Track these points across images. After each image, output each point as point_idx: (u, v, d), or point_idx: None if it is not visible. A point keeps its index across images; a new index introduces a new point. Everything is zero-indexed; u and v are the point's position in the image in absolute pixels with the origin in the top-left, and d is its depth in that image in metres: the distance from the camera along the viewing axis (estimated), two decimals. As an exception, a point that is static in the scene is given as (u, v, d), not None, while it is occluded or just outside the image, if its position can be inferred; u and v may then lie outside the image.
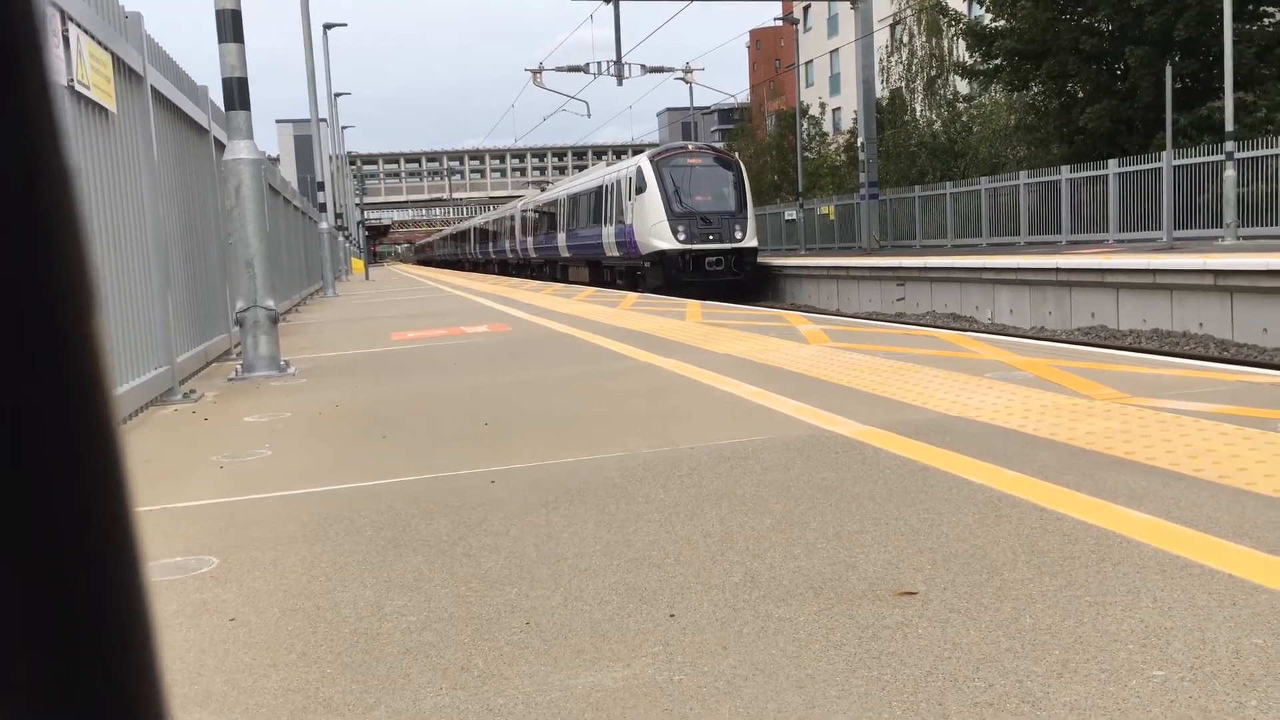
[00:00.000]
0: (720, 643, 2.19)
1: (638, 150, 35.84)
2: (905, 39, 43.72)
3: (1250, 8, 23.38)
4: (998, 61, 27.93)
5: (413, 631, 2.36)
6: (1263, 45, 23.03)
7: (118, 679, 0.29)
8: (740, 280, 24.00)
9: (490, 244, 52.49)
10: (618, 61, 34.09)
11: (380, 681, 2.10)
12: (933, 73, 41.92)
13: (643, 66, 35.77)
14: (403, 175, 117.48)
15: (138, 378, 5.91)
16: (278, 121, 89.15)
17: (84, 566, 0.29)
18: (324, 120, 33.69)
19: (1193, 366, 5.96)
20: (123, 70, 6.35)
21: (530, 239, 40.07)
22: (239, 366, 7.66)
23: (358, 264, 41.83)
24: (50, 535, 0.28)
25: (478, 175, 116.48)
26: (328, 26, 37.13)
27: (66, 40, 5.04)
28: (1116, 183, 21.58)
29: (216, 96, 8.29)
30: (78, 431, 0.29)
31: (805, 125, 43.72)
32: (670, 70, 37.57)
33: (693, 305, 13.02)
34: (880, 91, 38.48)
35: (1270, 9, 23.95)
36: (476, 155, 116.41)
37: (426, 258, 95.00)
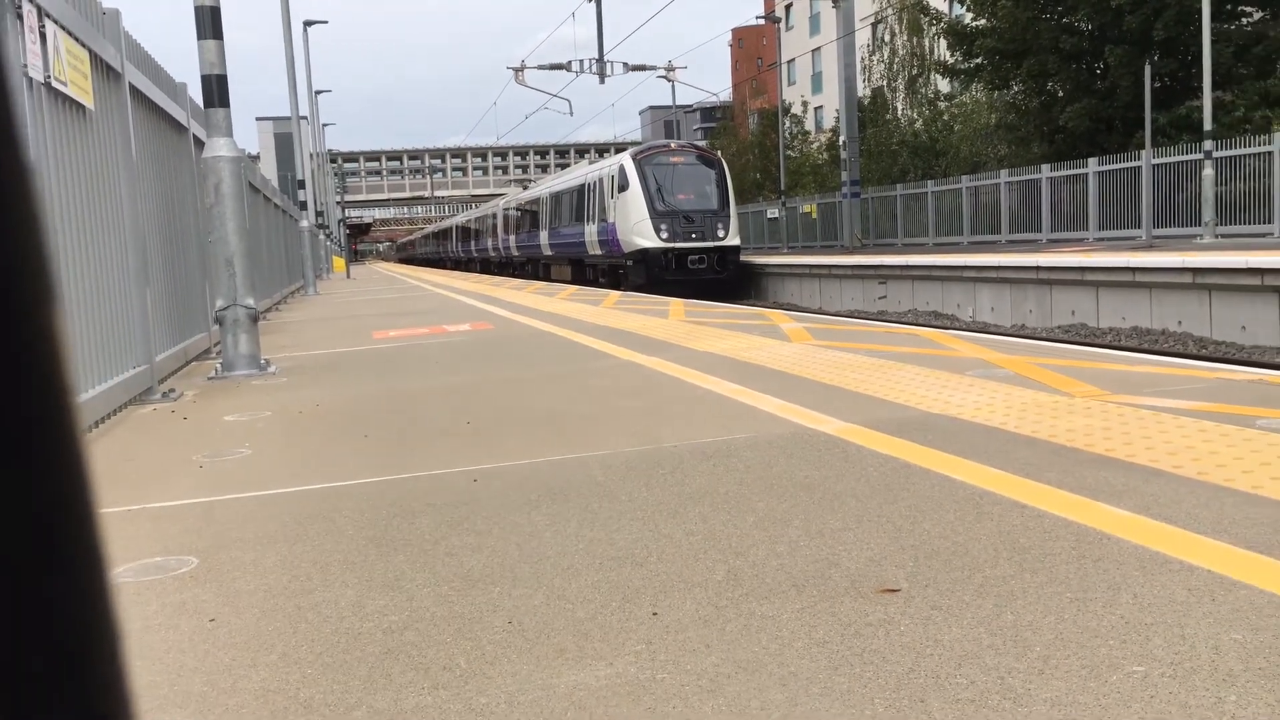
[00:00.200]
0: (703, 641, 2.18)
1: (620, 148, 35.79)
2: (887, 38, 43.84)
3: (1228, 7, 23.56)
4: (978, 60, 28.08)
5: (394, 631, 2.35)
6: (1240, 45, 23.21)
7: (83, 686, 0.29)
8: (723, 278, 24.03)
9: (473, 242, 52.35)
10: (600, 59, 34.07)
11: (361, 682, 2.09)
12: (914, 71, 42.05)
13: (625, 65, 35.74)
14: (384, 173, 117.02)
15: (116, 376, 5.86)
16: (258, 119, 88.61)
17: (45, 570, 0.28)
18: (304, 118, 33.53)
19: (1172, 364, 6.00)
20: (100, 67, 6.29)
21: (513, 237, 40.00)
22: (219, 365, 7.61)
23: (339, 262, 41.62)
24: (9, 539, 0.27)
25: (459, 173, 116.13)
26: (308, 23, 36.96)
27: (43, 36, 5.00)
28: (1096, 181, 21.72)
29: (196, 93, 8.23)
30: (36, 431, 0.28)
31: (787, 124, 43.80)
32: (653, 68, 37.56)
33: (675, 303, 13.03)
34: (862, 90, 38.57)
35: (1248, 8, 24.15)
36: (458, 153, 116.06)
37: (408, 256, 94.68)
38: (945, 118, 37.93)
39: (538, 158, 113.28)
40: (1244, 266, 12.37)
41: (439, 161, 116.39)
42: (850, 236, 28.91)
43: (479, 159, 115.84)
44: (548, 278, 31.37)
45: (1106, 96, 25.11)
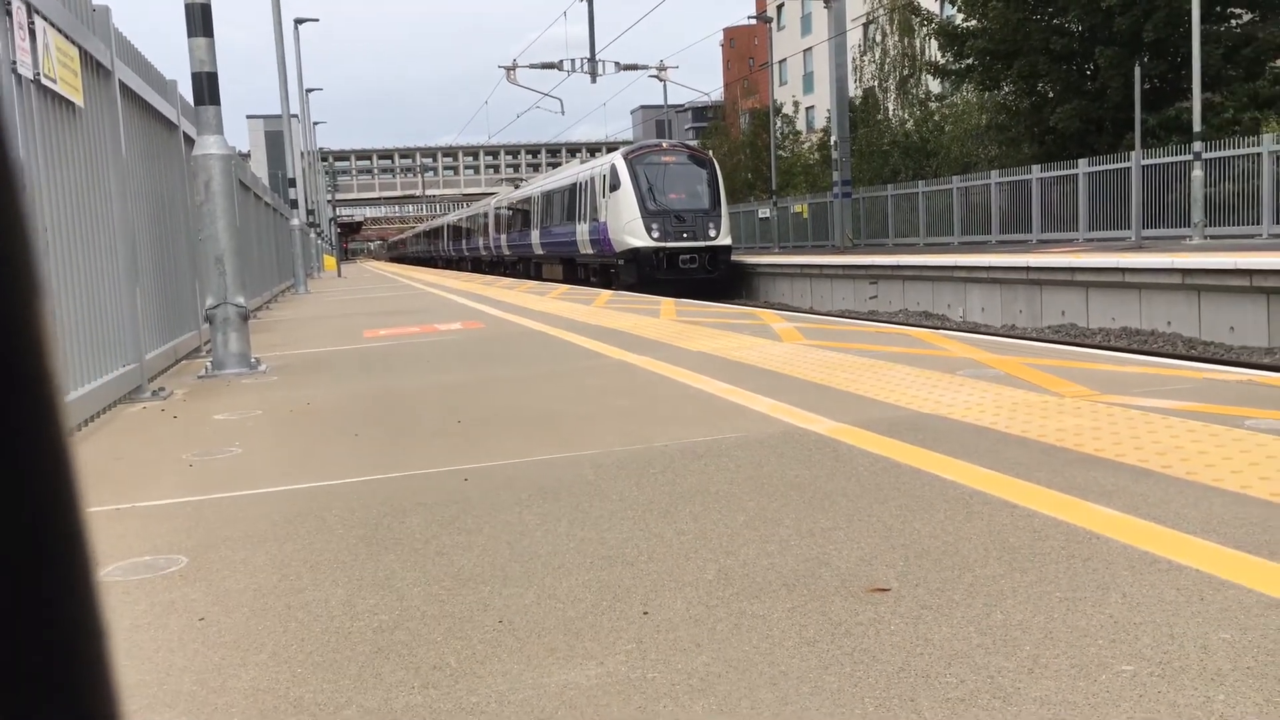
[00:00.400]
0: (694, 640, 2.19)
1: (612, 148, 35.81)
2: (878, 38, 43.92)
3: (1218, 9, 23.66)
4: (969, 61, 28.14)
5: (385, 630, 2.34)
6: (1230, 46, 23.31)
7: (68, 685, 0.28)
8: (714, 278, 24.05)
9: (464, 241, 52.29)
10: (591, 59, 34.07)
11: (352, 681, 2.09)
12: (905, 72, 42.16)
13: (617, 64, 35.78)
14: (375, 172, 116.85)
15: (105, 375, 5.84)
16: (248, 117, 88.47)
17: (29, 569, 0.28)
18: (295, 116, 33.43)
19: (1161, 364, 6.02)
20: (90, 65, 6.27)
21: (504, 236, 39.97)
22: (209, 364, 7.59)
23: (330, 261, 41.54)
24: None
25: (451, 172, 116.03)
26: (299, 21, 36.94)
27: (33, 33, 4.97)
28: (1086, 182, 21.79)
29: (186, 91, 8.21)
30: (22, 429, 0.28)
31: (779, 124, 43.84)
32: (644, 68, 37.60)
33: (667, 303, 13.03)
34: (853, 90, 38.61)
35: (1237, 10, 24.25)
36: (450, 152, 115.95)
37: (400, 255, 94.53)
38: (936, 118, 38.00)
39: (529, 157, 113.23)
40: (1232, 268, 12.42)
41: (430, 160, 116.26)
42: (841, 236, 28.95)
43: (470, 158, 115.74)
44: (539, 277, 31.36)
45: (1096, 98, 25.19)
